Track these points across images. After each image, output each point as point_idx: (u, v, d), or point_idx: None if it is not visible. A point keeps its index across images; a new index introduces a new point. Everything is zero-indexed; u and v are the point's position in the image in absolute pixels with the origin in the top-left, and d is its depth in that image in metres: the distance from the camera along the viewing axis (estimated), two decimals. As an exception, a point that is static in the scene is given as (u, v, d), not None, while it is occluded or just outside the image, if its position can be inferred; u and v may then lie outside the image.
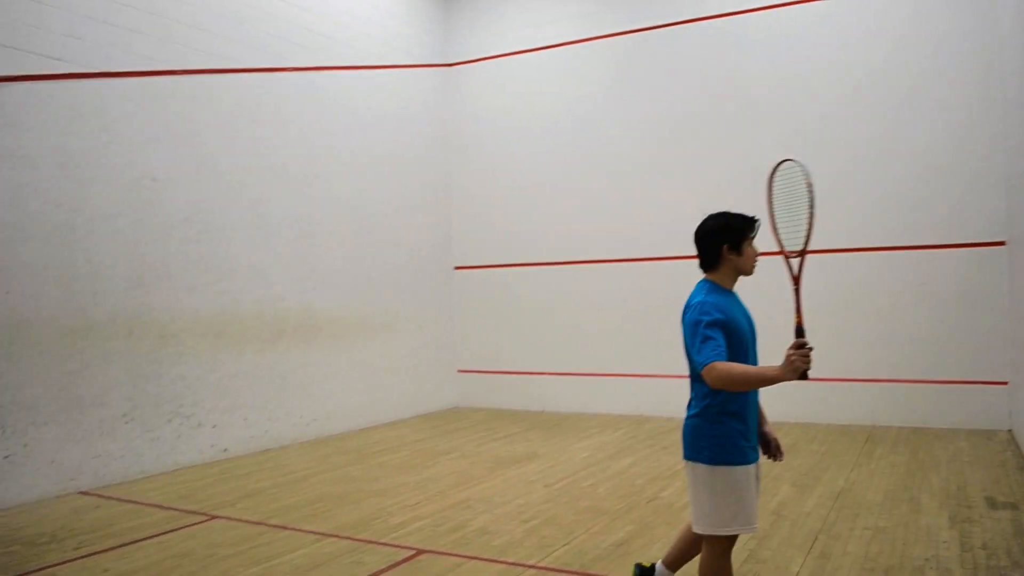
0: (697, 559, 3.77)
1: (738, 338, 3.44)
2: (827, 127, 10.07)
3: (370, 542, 5.66)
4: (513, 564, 5.09)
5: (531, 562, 5.11)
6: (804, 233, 3.48)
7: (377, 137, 11.40)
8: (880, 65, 9.81)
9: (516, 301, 12.35)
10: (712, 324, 3.34)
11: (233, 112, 9.24)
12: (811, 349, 3.10)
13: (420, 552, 5.39)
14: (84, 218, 7.67)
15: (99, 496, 7.30)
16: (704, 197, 9.83)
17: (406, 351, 11.82)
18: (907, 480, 6.97)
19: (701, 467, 3.49)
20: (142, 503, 7.01)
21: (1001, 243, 9.16)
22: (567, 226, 11.90)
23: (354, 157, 10.97)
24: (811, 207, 3.45)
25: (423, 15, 12.43)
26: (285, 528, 6.09)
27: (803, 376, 3.07)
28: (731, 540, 3.55)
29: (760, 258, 3.68)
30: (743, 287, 3.70)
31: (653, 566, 4.19)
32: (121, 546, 5.75)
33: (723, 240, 3.55)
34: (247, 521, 6.32)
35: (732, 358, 3.34)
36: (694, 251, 3.69)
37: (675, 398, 8.40)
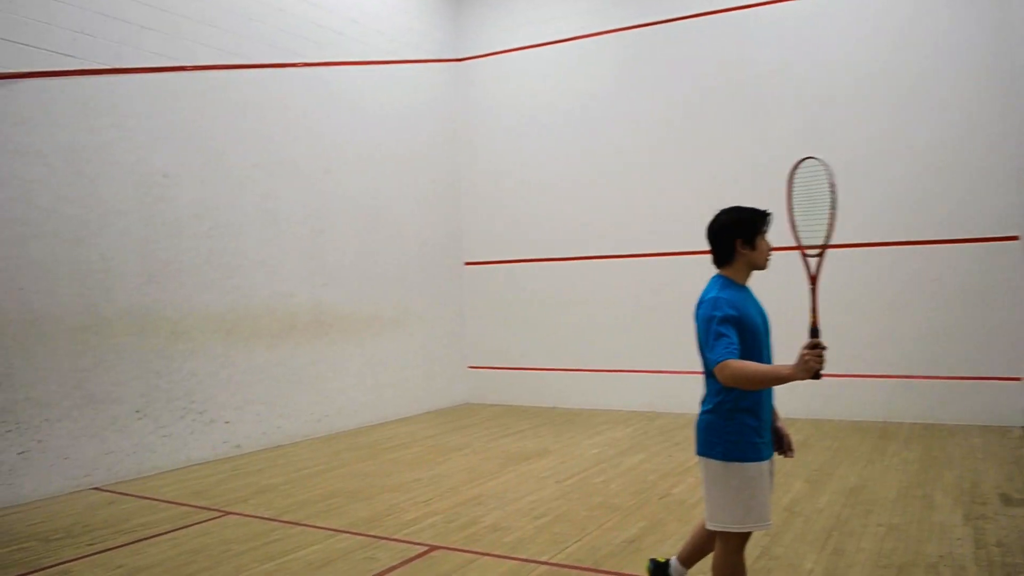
0: (711, 555, 3.76)
1: (751, 334, 3.42)
2: (839, 121, 10.02)
3: (383, 538, 5.67)
4: (525, 560, 5.08)
5: (543, 558, 5.10)
6: (824, 232, 3.45)
7: (387, 133, 11.40)
8: (890, 58, 9.75)
9: (527, 296, 12.34)
10: (725, 320, 3.32)
11: (243, 108, 9.25)
12: (824, 349, 3.07)
13: (433, 548, 5.39)
14: (96, 214, 7.69)
15: (112, 492, 7.33)
16: (714, 192, 9.80)
17: (417, 347, 11.83)
18: (920, 476, 6.94)
19: (714, 463, 3.47)
20: (155, 499, 7.03)
21: (1014, 238, 9.10)
22: (578, 221, 11.88)
23: (364, 153, 10.97)
24: (833, 208, 3.42)
25: (433, 10, 12.42)
26: (298, 524, 6.10)
27: (816, 376, 3.06)
28: (744, 537, 3.53)
29: (774, 253, 3.65)
30: (757, 282, 3.68)
31: (668, 561, 4.18)
32: (134, 542, 5.77)
33: (736, 234, 3.53)
34: (260, 517, 6.34)
35: (745, 354, 3.32)
36: (705, 246, 3.67)
37: (686, 394, 8.38)
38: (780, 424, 3.79)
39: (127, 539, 5.84)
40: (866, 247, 9.84)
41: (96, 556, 5.47)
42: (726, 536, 3.51)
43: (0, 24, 6.99)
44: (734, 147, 10.65)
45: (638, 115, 11.44)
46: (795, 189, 3.67)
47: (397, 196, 11.56)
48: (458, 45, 12.89)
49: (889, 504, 6.09)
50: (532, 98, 12.30)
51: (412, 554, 5.27)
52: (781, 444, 3.77)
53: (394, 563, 5.11)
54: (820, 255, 3.47)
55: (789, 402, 9.94)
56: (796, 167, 3.69)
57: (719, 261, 3.61)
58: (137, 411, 7.93)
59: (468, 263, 12.90)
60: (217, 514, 6.48)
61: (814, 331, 3.19)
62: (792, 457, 3.82)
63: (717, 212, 3.64)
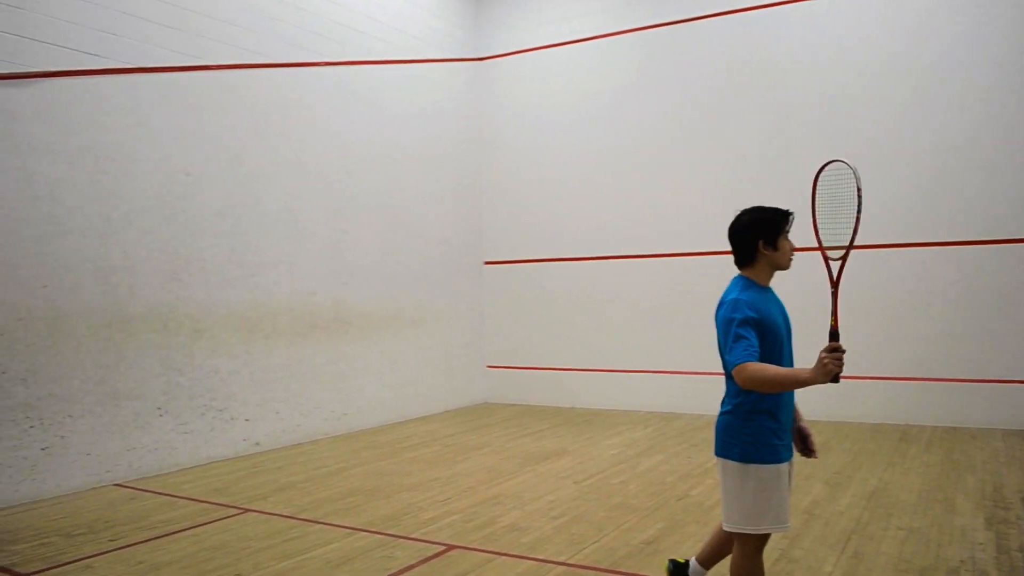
0: (730, 557, 3.75)
1: (772, 336, 3.40)
2: (858, 118, 9.97)
3: (401, 537, 5.69)
4: (543, 561, 5.08)
5: (561, 559, 5.10)
6: (848, 237, 3.42)
7: (407, 132, 11.43)
8: (907, 55, 9.69)
9: (546, 296, 12.34)
10: (744, 323, 3.30)
11: (265, 107, 9.30)
12: (844, 352, 3.05)
13: (451, 547, 5.40)
14: (120, 213, 7.76)
15: (134, 488, 7.40)
16: (733, 191, 9.78)
17: (436, 346, 11.85)
18: (941, 480, 6.88)
19: (732, 464, 3.46)
20: (176, 496, 7.09)
21: (1040, 240, 9.03)
22: (598, 221, 11.87)
23: (385, 152, 11.01)
24: (858, 212, 3.40)
25: (454, 9, 12.44)
26: (316, 522, 6.13)
27: (835, 379, 3.06)
28: (762, 539, 3.52)
29: (797, 254, 3.63)
30: (780, 284, 3.66)
31: (687, 562, 4.18)
32: (155, 538, 5.81)
33: (758, 235, 3.50)
34: (279, 515, 6.37)
35: (765, 356, 3.30)
36: (726, 246, 3.65)
37: (706, 395, 8.35)
38: (803, 424, 3.77)
39: (148, 535, 5.89)
40: (888, 248, 9.77)
41: (117, 552, 5.52)
42: (744, 538, 3.50)
43: (26, 24, 7.07)
44: (752, 145, 10.61)
45: (657, 114, 11.42)
46: (820, 191, 3.65)
47: (417, 195, 11.59)
48: (478, 44, 12.91)
49: (910, 508, 6.05)
50: (551, 97, 12.30)
51: (430, 553, 5.29)
52: (805, 445, 3.75)
53: (412, 562, 5.12)
54: (842, 259, 3.45)
55: (809, 404, 9.90)
56: (822, 169, 3.66)
57: (741, 262, 3.58)
58: (159, 408, 8.00)
59: (488, 263, 12.92)
60: (237, 511, 6.52)
61: (834, 334, 3.17)
62: (815, 458, 3.80)
63: (739, 212, 3.61)
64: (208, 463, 8.42)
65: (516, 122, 12.65)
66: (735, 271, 3.63)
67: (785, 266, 3.56)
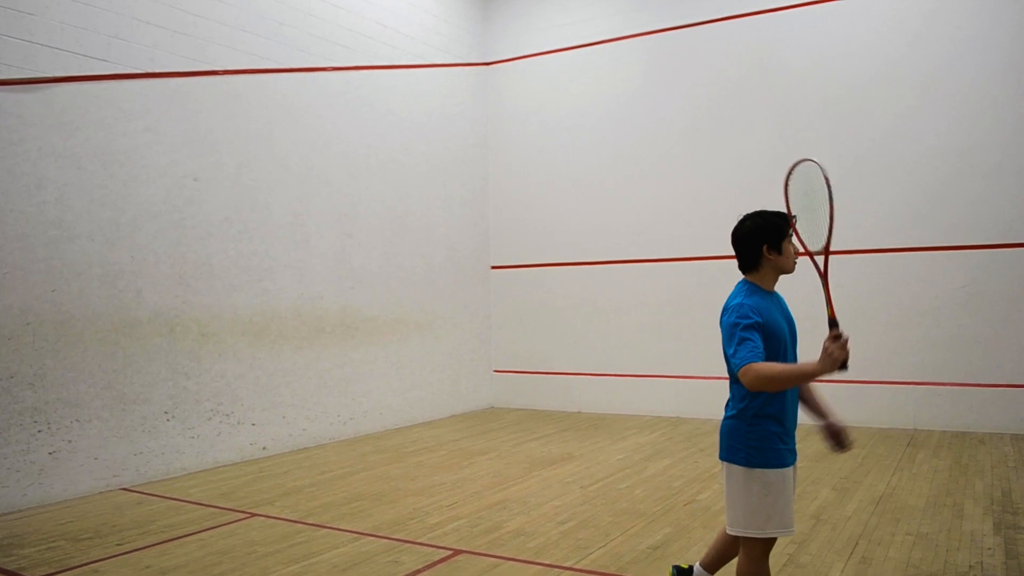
0: (735, 562, 3.74)
1: (776, 340, 3.40)
2: (869, 124, 9.95)
3: (407, 542, 5.69)
4: (549, 566, 5.08)
5: (567, 564, 5.10)
6: (827, 229, 3.47)
7: (415, 136, 11.45)
8: (930, 60, 9.66)
9: (553, 301, 12.34)
10: (749, 326, 3.29)
11: (273, 112, 9.33)
12: (847, 339, 3.06)
13: (457, 552, 5.40)
14: (128, 217, 7.78)
15: (141, 493, 7.41)
16: (741, 195, 9.76)
17: (443, 351, 11.86)
18: (950, 485, 6.86)
19: (737, 469, 3.46)
20: (183, 500, 7.10)
21: (1048, 244, 9.01)
22: (604, 225, 11.87)
23: (392, 157, 11.03)
24: (831, 202, 3.44)
25: (461, 14, 12.46)
26: (323, 527, 6.14)
27: (843, 366, 3.05)
28: (768, 543, 3.51)
29: (801, 259, 3.63)
30: (784, 289, 3.66)
31: (691, 568, 4.17)
32: (162, 543, 5.83)
33: (763, 240, 3.50)
34: (286, 519, 6.38)
35: (770, 360, 3.30)
36: (731, 251, 3.65)
37: (712, 399, 8.34)
38: (834, 420, 3.72)
39: (155, 539, 5.90)
40: (894, 252, 9.75)
41: (124, 556, 5.53)
42: (749, 542, 3.49)
43: (36, 29, 7.11)
44: (758, 149, 10.60)
45: (663, 119, 11.42)
46: (791, 195, 3.70)
47: (424, 200, 11.61)
48: (485, 49, 12.93)
49: (918, 513, 6.03)
50: (558, 102, 12.31)
51: (436, 558, 5.29)
52: (838, 440, 3.69)
53: (418, 567, 5.12)
54: (826, 251, 3.51)
55: (817, 409, 9.90)
56: (789, 174, 3.73)
57: (745, 267, 3.59)
58: (166, 412, 8.02)
59: (494, 267, 12.92)
60: (243, 516, 6.53)
61: (833, 322, 3.19)
62: (849, 451, 3.73)
63: (741, 217, 3.61)
64: (215, 467, 8.43)
65: (522, 127, 12.66)
66: (741, 276, 3.64)
67: (790, 270, 3.57)
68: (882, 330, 9.68)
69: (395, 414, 10.90)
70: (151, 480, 7.84)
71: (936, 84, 9.61)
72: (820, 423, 3.73)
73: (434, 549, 5.48)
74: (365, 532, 5.96)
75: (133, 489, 7.54)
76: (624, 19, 11.74)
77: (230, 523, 6.31)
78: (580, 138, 12.10)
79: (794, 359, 3.55)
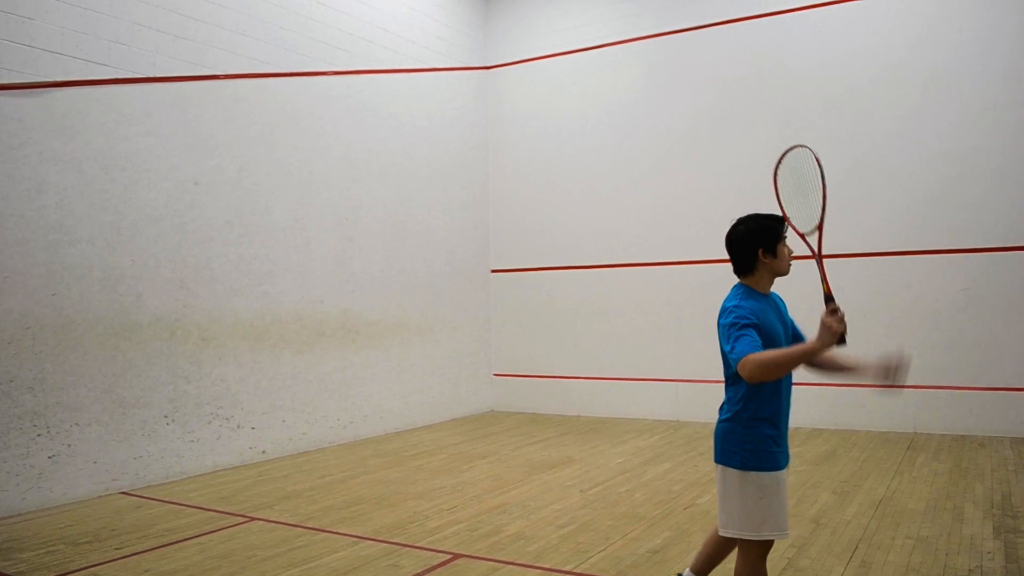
0: (722, 566, 3.74)
1: (771, 343, 3.39)
2: (870, 127, 9.96)
3: (407, 546, 5.68)
4: (549, 570, 5.07)
5: (567, 568, 5.09)
6: (820, 209, 3.59)
7: (416, 140, 11.46)
8: (932, 63, 9.67)
9: (553, 304, 12.34)
10: (746, 325, 3.30)
11: (274, 117, 9.34)
12: (844, 314, 3.07)
13: (456, 556, 5.39)
14: (129, 221, 7.79)
15: (140, 496, 7.41)
16: (742, 198, 9.73)
17: (443, 354, 11.86)
18: (950, 489, 6.85)
19: (732, 472, 3.48)
20: (182, 504, 7.10)
21: (1048, 248, 9.01)
22: (605, 229, 11.88)
23: (393, 160, 11.04)
24: (823, 180, 3.59)
25: (462, 19, 12.48)
26: (322, 531, 6.13)
27: (841, 340, 3.04)
28: (765, 546, 3.52)
29: (796, 263, 3.65)
30: (785, 293, 3.66)
31: (681, 575, 4.16)
32: (161, 547, 5.82)
33: (758, 244, 3.51)
34: (285, 523, 6.38)
35: None
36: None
37: (712, 403, 8.34)
38: (873, 363, 3.40)
39: (154, 544, 5.90)
40: (895, 255, 9.75)
41: (123, 560, 5.53)
42: (747, 546, 3.50)
43: (37, 34, 7.12)
44: (759, 153, 10.56)
45: (665, 123, 11.43)
46: (782, 180, 3.83)
47: (425, 204, 11.62)
48: (486, 53, 12.94)
49: (918, 516, 6.03)
50: (559, 106, 12.32)
51: (436, 562, 5.28)
52: (890, 372, 3.37)
53: (418, 571, 5.12)
54: (819, 230, 3.62)
55: (816, 412, 9.92)
56: (778, 163, 3.88)
57: (740, 271, 3.59)
58: (166, 416, 8.02)
59: (494, 271, 12.92)
60: (243, 520, 6.53)
61: (829, 298, 3.22)
62: (904, 377, 3.39)
63: (734, 222, 3.63)
64: (214, 471, 8.43)
65: (523, 131, 12.67)
66: (735, 278, 3.65)
67: (785, 272, 3.58)
68: (883, 333, 9.67)
69: (395, 418, 10.90)
70: (150, 484, 7.84)
71: (937, 87, 9.62)
72: (871, 374, 3.44)
73: (434, 553, 5.48)
74: (365, 536, 5.95)
75: (132, 493, 7.54)
76: (625, 23, 11.75)
77: (229, 527, 6.31)
78: (580, 142, 12.11)
79: None
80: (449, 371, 11.97)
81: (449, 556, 5.41)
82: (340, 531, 6.10)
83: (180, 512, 6.81)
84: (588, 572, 5.00)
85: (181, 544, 5.87)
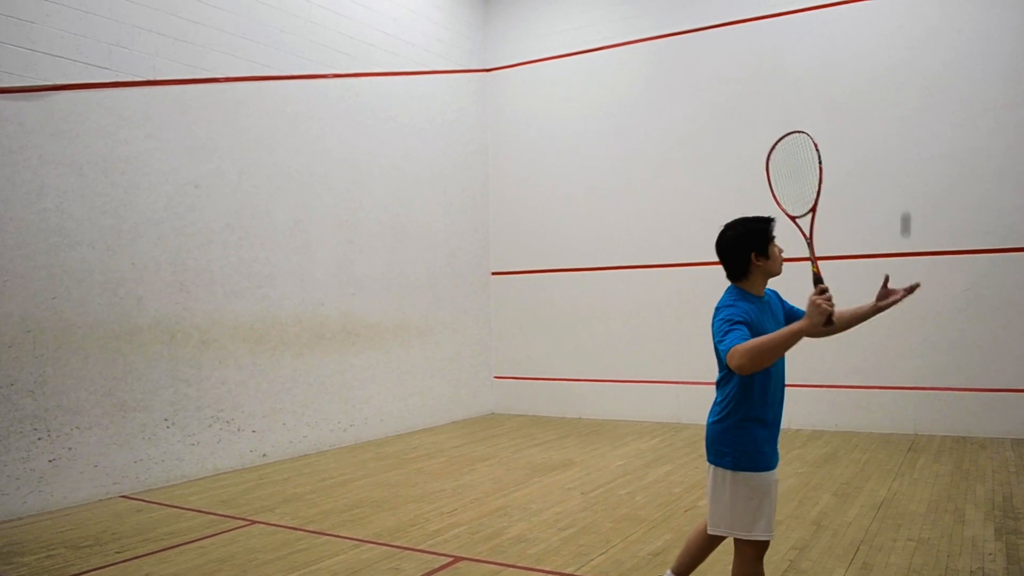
0: (723, 567, 3.74)
1: None
2: (871, 128, 9.96)
3: (408, 549, 5.68)
4: (550, 572, 5.07)
5: (568, 570, 5.09)
6: (814, 193, 3.67)
7: (416, 143, 11.46)
8: (933, 65, 9.67)
9: (553, 307, 12.34)
10: (739, 322, 3.31)
11: (274, 119, 9.34)
12: (831, 295, 3.07)
13: (457, 559, 5.39)
14: (129, 224, 7.79)
15: (140, 500, 7.41)
16: (742, 200, 9.74)
17: (443, 357, 11.85)
18: (951, 490, 6.85)
19: (724, 472, 3.51)
20: (183, 507, 7.09)
21: (1049, 249, 9.00)
22: (605, 231, 11.87)
23: (393, 163, 11.04)
24: (820, 163, 3.67)
25: (462, 21, 12.48)
26: (323, 534, 6.13)
27: (829, 321, 3.04)
28: (760, 546, 3.54)
29: (792, 266, 3.67)
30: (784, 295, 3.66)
31: None
32: (162, 550, 5.82)
33: (750, 247, 3.54)
34: (286, 526, 6.37)
35: (762, 369, 3.29)
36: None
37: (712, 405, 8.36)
38: (874, 302, 3.60)
39: (155, 547, 5.90)
40: (896, 256, 9.75)
41: (124, 564, 5.53)
42: (742, 546, 3.53)
43: (38, 37, 7.12)
44: (761, 155, 10.54)
45: (665, 124, 11.43)
46: (775, 166, 3.96)
47: (425, 206, 11.62)
48: (486, 55, 12.95)
49: (919, 518, 6.02)
50: (559, 108, 12.33)
51: (437, 565, 5.28)
52: (887, 293, 3.59)
53: (419, 574, 5.11)
54: (812, 214, 3.68)
55: (817, 413, 9.91)
56: (773, 147, 4.04)
57: (734, 276, 3.61)
58: (166, 419, 8.01)
59: (495, 273, 12.92)
60: (243, 523, 6.52)
61: (818, 279, 3.24)
62: (911, 292, 3.58)
63: (723, 227, 3.66)
64: (215, 474, 8.42)
65: (523, 133, 12.67)
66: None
67: (778, 272, 3.60)
68: (883, 334, 9.66)
69: (396, 420, 10.89)
70: (151, 487, 7.83)
71: (938, 89, 9.62)
72: (877, 305, 3.61)
73: (434, 556, 5.48)
74: (365, 539, 5.95)
75: (133, 496, 7.53)
76: (625, 24, 11.76)
77: (230, 530, 6.31)
78: (581, 144, 12.11)
79: (782, 363, 3.55)
80: (449, 373, 11.96)
81: (450, 559, 5.40)
82: (341, 534, 6.10)
83: (181, 515, 6.81)
84: (589, 575, 5.00)
85: (182, 548, 5.87)
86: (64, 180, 7.28)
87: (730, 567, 3.68)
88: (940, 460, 8.11)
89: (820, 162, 3.63)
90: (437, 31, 11.98)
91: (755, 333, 3.32)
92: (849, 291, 9.85)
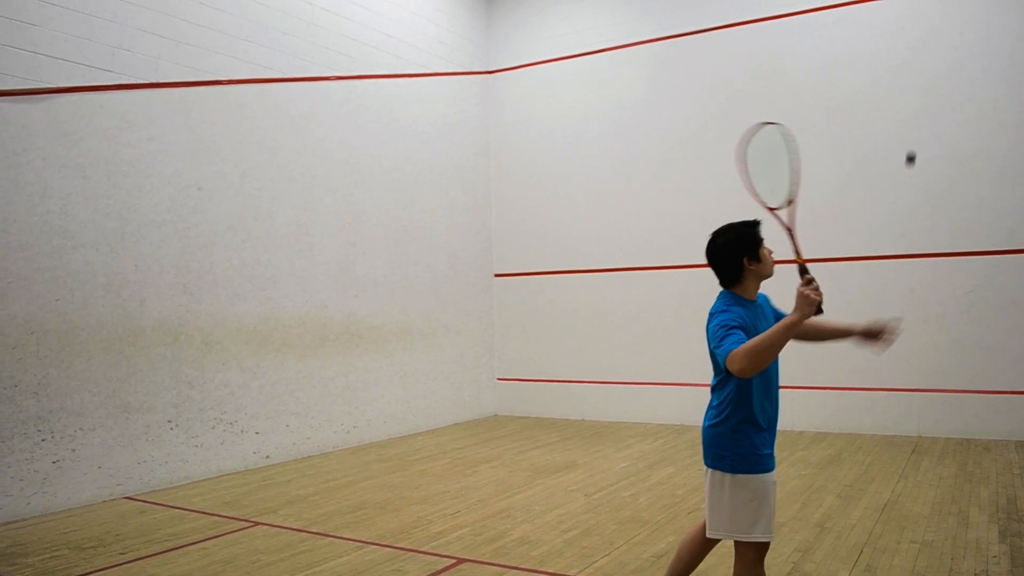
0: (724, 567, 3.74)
1: None
2: (873, 130, 9.95)
3: (411, 550, 5.68)
4: (553, 574, 5.07)
5: (572, 573, 5.08)
6: (790, 183, 3.68)
7: (419, 145, 11.47)
8: (935, 66, 9.67)
9: (556, 308, 12.33)
10: (735, 327, 3.33)
11: (277, 122, 9.35)
12: (818, 284, 3.16)
13: (460, 561, 5.39)
14: (132, 226, 7.80)
15: (144, 501, 7.41)
16: (745, 202, 9.76)
17: (446, 359, 11.86)
18: (955, 492, 6.83)
19: (723, 475, 3.51)
20: (186, 509, 7.09)
21: (1052, 251, 8.99)
22: (607, 233, 11.87)
23: (396, 165, 11.05)
24: (797, 155, 3.73)
25: (465, 23, 12.49)
26: (327, 535, 6.13)
27: (819, 310, 3.12)
28: (761, 548, 3.53)
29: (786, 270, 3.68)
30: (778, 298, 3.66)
31: None
32: (165, 552, 5.82)
33: (741, 252, 3.56)
34: (289, 528, 6.37)
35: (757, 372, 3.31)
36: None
37: (717, 408, 8.36)
38: (861, 327, 3.70)
39: (158, 548, 5.90)
40: (899, 258, 9.74)
41: (128, 565, 5.53)
42: (742, 548, 3.52)
43: (41, 40, 7.14)
44: (765, 159, 10.58)
45: (668, 126, 11.43)
46: (750, 159, 3.90)
47: (427, 208, 11.62)
48: (488, 58, 12.96)
49: (923, 520, 6.01)
50: (561, 110, 12.33)
51: (440, 567, 5.28)
52: (875, 332, 3.69)
53: (422, 575, 5.11)
54: (791, 205, 3.68)
55: (820, 415, 9.91)
56: (745, 141, 3.98)
57: (727, 282, 3.63)
58: (169, 421, 8.02)
59: (497, 275, 12.93)
60: (247, 524, 6.53)
61: (803, 269, 3.31)
62: (893, 335, 3.69)
63: (712, 235, 3.67)
64: (218, 476, 8.43)
65: (525, 135, 12.68)
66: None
67: (770, 274, 3.63)
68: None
69: (399, 422, 10.89)
70: (155, 489, 7.84)
71: (939, 90, 9.61)
72: (856, 337, 3.72)
73: (437, 558, 5.48)
74: (369, 541, 5.95)
75: (137, 498, 7.54)
76: (627, 27, 11.76)
77: (234, 532, 6.31)
78: (583, 146, 12.12)
79: (776, 367, 3.56)
80: (452, 375, 11.97)
81: (453, 561, 5.40)
82: (344, 536, 6.10)
83: (184, 517, 6.81)
84: (593, 577, 5.00)
85: (185, 549, 5.87)
86: (67, 182, 7.30)
87: (731, 570, 3.67)
88: (944, 462, 8.10)
89: (793, 152, 3.67)
90: (439, 33, 12.00)
91: (751, 337, 3.33)
92: (850, 292, 9.93)
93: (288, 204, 9.44)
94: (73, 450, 7.21)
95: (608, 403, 11.78)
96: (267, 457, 9.01)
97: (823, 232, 10.07)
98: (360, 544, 5.87)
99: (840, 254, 9.98)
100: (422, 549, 5.69)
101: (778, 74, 10.60)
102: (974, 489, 6.94)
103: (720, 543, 3.83)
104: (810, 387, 9.76)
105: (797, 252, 3.47)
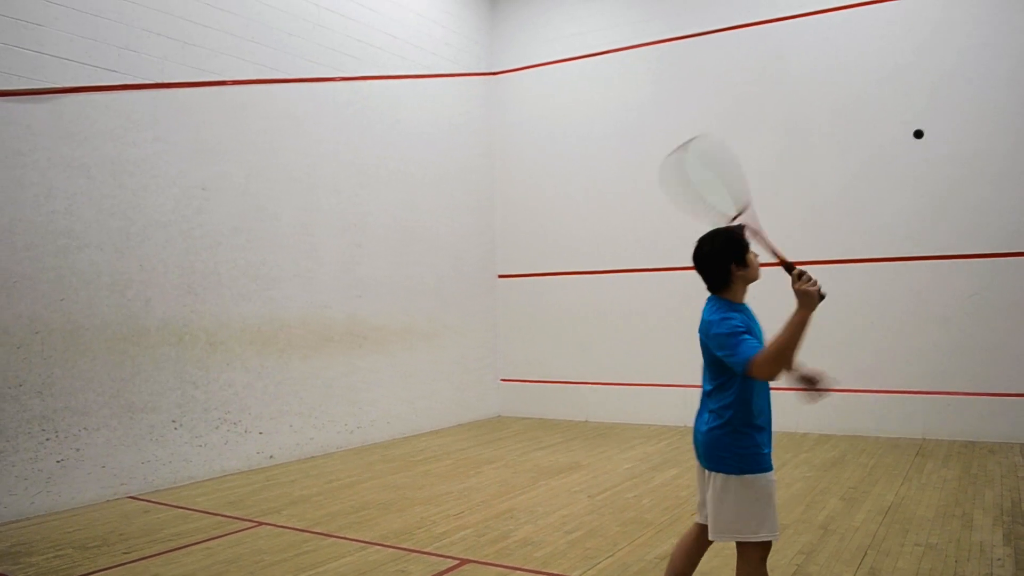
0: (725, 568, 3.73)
1: None
2: (876, 131, 9.94)
3: (414, 551, 5.68)
4: (557, 575, 5.07)
5: (575, 574, 5.08)
6: (743, 185, 3.71)
7: (423, 146, 11.48)
8: (938, 68, 9.66)
9: (559, 310, 12.33)
10: (742, 332, 3.37)
11: (282, 122, 9.36)
12: (810, 274, 3.24)
13: (463, 562, 5.39)
14: (137, 227, 7.82)
15: (148, 501, 7.42)
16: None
17: (449, 359, 11.86)
18: (959, 495, 6.82)
19: (728, 478, 3.51)
20: (190, 509, 7.10)
21: (1057, 253, 8.98)
22: (611, 234, 11.87)
23: (400, 166, 11.05)
24: (731, 156, 3.78)
25: (470, 25, 12.50)
26: (330, 536, 6.13)
27: (822, 297, 3.20)
28: (765, 548, 3.54)
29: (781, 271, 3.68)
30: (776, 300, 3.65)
31: None
32: (169, 551, 5.83)
33: (729, 258, 3.57)
34: (293, 528, 6.38)
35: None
36: None
37: (720, 409, 8.35)
38: (805, 369, 3.75)
39: (162, 548, 5.91)
40: (902, 260, 9.73)
41: (131, 565, 5.54)
42: (746, 549, 3.52)
43: (46, 41, 7.15)
44: (767, 157, 10.59)
45: (672, 128, 11.39)
46: (692, 176, 3.86)
47: (431, 209, 11.63)
48: (493, 59, 12.96)
49: (927, 523, 6.00)
50: (566, 111, 12.33)
51: (443, 567, 5.28)
52: (814, 382, 3.78)
53: (425, 576, 5.12)
54: (748, 208, 3.68)
55: (824, 418, 9.89)
56: (672, 164, 3.94)
57: (716, 288, 3.63)
58: (173, 421, 8.03)
59: (501, 276, 12.93)
60: (250, 524, 6.53)
61: (789, 267, 3.36)
62: (826, 389, 3.77)
63: (698, 241, 3.67)
64: (222, 476, 8.44)
65: (530, 136, 12.68)
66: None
67: (757, 277, 3.65)
68: (890, 339, 9.65)
69: (402, 423, 10.90)
70: (158, 488, 7.85)
71: (943, 92, 9.60)
72: (796, 378, 3.77)
73: (441, 559, 5.48)
74: (372, 541, 5.95)
75: (140, 497, 7.55)
76: (632, 29, 11.76)
77: (237, 532, 6.31)
78: (587, 147, 12.12)
79: None
80: (456, 376, 11.97)
81: (456, 561, 5.40)
82: (347, 536, 6.10)
83: (188, 517, 6.82)
84: (596, 578, 5.00)
85: (189, 548, 5.88)
86: (72, 182, 7.31)
87: (733, 572, 3.67)
88: (948, 465, 8.08)
89: (728, 155, 3.73)
90: (444, 35, 12.00)
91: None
92: (853, 294, 9.91)
93: (292, 205, 9.46)
94: (77, 449, 7.23)
95: (612, 404, 11.77)
96: (271, 457, 9.02)
97: (827, 234, 10.07)
98: (363, 544, 5.87)
99: (843, 256, 9.97)
100: (425, 550, 5.70)
101: (783, 76, 10.60)
102: (978, 492, 6.92)
103: (713, 545, 3.82)
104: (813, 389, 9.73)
105: (775, 252, 3.49)
